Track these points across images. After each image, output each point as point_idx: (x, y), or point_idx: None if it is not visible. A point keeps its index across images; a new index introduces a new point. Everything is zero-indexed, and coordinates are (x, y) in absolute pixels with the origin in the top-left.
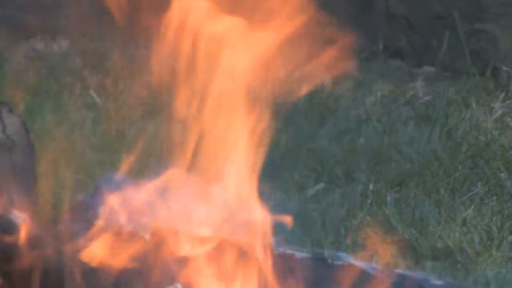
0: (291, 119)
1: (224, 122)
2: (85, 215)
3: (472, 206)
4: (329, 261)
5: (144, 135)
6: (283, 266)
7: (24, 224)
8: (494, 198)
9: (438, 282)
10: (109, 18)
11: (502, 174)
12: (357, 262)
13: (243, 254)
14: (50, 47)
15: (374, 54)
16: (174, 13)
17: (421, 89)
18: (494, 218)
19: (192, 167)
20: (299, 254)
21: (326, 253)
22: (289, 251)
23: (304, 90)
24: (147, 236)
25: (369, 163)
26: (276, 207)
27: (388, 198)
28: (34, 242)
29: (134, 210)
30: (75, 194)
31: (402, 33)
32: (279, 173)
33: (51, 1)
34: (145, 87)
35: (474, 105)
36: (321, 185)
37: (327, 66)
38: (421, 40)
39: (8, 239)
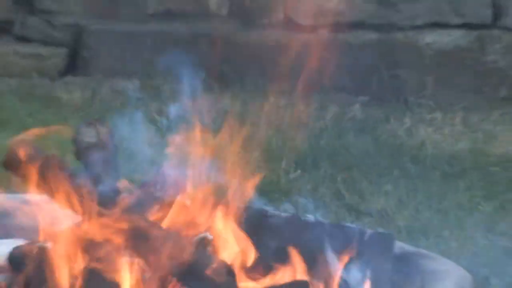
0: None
1: None
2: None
3: (391, 184)
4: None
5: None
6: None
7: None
8: (403, 180)
9: (369, 231)
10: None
11: (411, 165)
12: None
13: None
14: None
15: (329, 91)
16: None
17: (359, 111)
18: (404, 192)
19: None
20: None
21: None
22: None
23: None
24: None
25: (321, 152)
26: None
27: (339, 178)
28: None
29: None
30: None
31: (345, 75)
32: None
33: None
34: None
35: (392, 121)
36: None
37: None
38: (357, 80)
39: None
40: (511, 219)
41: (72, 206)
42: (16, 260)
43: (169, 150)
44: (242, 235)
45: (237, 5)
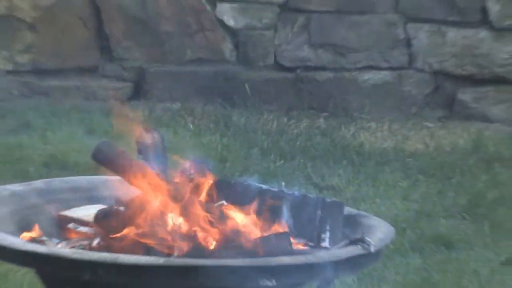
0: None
1: None
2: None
3: (342, 169)
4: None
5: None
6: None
7: None
8: (350, 166)
9: (330, 200)
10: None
11: (356, 157)
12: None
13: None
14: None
15: (302, 110)
16: None
17: (322, 122)
18: (350, 174)
19: None
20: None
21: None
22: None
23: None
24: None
25: (297, 149)
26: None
27: (308, 165)
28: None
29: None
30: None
31: (313, 99)
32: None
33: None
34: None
35: (343, 128)
36: (281, 162)
37: None
38: (321, 102)
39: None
40: (419, 192)
41: (137, 184)
42: (99, 218)
43: (196, 148)
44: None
45: (242, 54)
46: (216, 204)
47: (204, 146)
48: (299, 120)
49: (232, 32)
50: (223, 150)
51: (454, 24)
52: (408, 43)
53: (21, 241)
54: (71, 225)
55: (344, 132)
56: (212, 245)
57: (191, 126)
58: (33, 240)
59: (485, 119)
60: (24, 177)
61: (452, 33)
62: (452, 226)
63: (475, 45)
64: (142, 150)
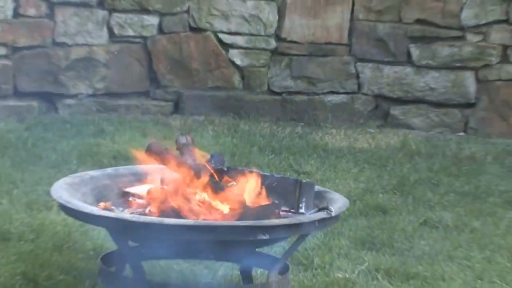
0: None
1: None
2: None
3: (313, 160)
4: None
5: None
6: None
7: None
8: (319, 159)
9: (305, 181)
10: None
11: (322, 152)
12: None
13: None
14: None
15: (286, 121)
16: None
17: (299, 129)
18: (319, 164)
19: None
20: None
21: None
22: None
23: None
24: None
25: (283, 147)
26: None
27: (290, 158)
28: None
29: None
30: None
31: (294, 113)
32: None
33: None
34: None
35: (313, 133)
36: (272, 156)
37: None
38: (298, 115)
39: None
40: (365, 175)
41: (176, 171)
42: (151, 193)
43: (215, 146)
44: (248, 184)
45: (246, 83)
46: (228, 184)
47: (220, 145)
48: (284, 127)
49: (239, 68)
50: (233, 147)
51: (388, 63)
52: (357, 76)
53: (97, 209)
54: (131, 198)
55: (314, 135)
56: (225, 211)
57: (212, 132)
58: (105, 208)
59: (409, 127)
60: (100, 166)
61: (387, 69)
62: (387, 198)
63: (402, 77)
64: (179, 148)
